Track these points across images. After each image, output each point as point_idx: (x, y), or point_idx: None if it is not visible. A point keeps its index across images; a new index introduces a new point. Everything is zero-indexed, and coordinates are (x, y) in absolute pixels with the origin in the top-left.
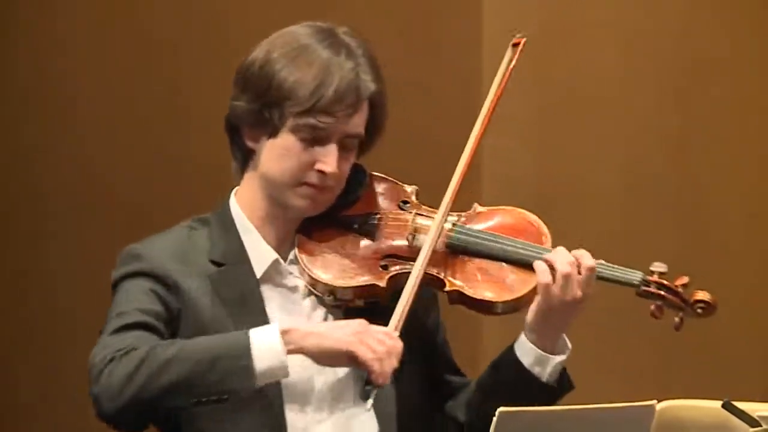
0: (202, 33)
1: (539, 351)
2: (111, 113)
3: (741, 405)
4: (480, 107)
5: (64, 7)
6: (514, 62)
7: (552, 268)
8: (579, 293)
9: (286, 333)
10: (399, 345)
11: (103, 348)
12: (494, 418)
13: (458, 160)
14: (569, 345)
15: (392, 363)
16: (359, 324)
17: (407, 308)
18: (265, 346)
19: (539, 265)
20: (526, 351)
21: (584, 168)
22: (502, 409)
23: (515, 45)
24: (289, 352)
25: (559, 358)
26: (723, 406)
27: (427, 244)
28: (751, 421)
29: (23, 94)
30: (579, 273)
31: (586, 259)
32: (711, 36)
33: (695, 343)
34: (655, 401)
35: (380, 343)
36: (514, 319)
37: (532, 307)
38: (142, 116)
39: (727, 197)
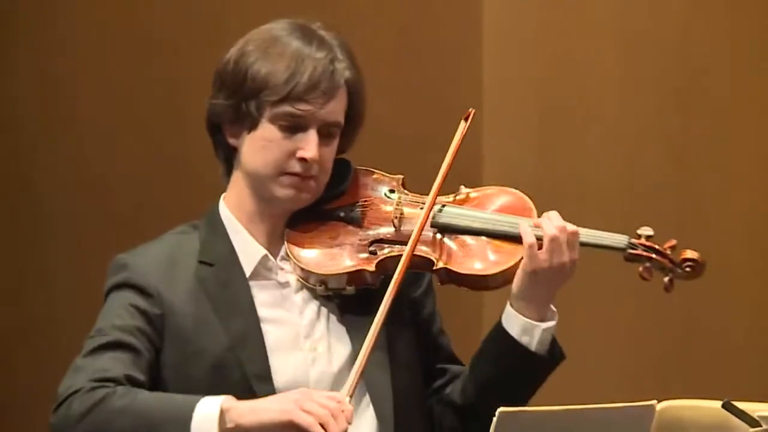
0: (202, 33)
1: (525, 319)
2: (110, 114)
3: (741, 405)
4: (479, 100)
5: (64, 7)
6: (464, 133)
7: (539, 230)
8: (565, 258)
9: (227, 411)
10: (348, 408)
11: (74, 373)
12: (494, 419)
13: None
14: (555, 311)
15: (340, 426)
16: (300, 392)
17: (370, 348)
18: (204, 422)
19: (525, 228)
20: (512, 321)
21: (584, 168)
22: (502, 409)
23: (466, 118)
24: (231, 430)
25: (546, 325)
26: (723, 406)
27: (416, 227)
28: (751, 421)
29: (23, 94)
30: (566, 238)
31: (569, 225)
32: (711, 36)
33: (695, 343)
34: (655, 401)
35: (322, 407)
36: None
37: (518, 273)
38: (142, 117)
39: (727, 197)
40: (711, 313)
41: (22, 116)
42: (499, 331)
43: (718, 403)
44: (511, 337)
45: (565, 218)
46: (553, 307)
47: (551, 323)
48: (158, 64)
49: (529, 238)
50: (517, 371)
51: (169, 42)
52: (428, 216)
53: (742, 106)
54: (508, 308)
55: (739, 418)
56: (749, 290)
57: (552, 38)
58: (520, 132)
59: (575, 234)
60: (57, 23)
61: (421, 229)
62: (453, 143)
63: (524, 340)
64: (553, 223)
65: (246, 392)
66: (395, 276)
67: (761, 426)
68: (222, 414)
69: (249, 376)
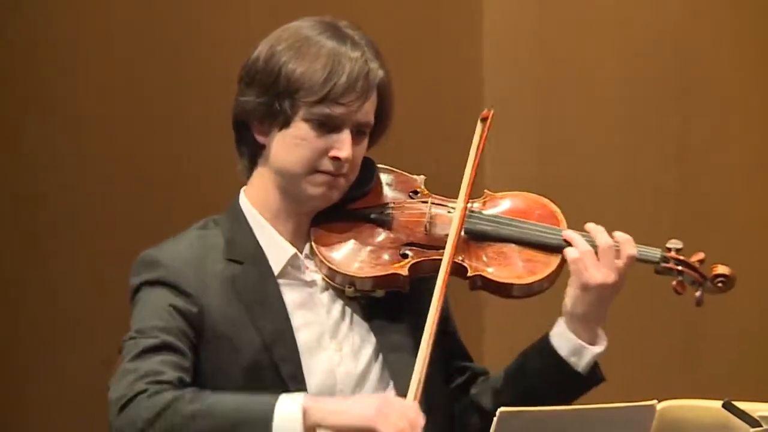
0: (202, 33)
1: (578, 341)
2: (111, 114)
3: (741, 405)
4: (480, 100)
5: (64, 7)
6: (485, 134)
7: (573, 245)
8: (613, 275)
9: (309, 410)
10: (421, 419)
11: (124, 377)
12: (494, 418)
13: (461, 154)
14: (605, 338)
15: None
16: (380, 398)
17: (427, 364)
18: (286, 421)
19: (573, 236)
20: (563, 341)
21: (585, 167)
22: (502, 409)
23: (484, 119)
24: (310, 428)
25: (597, 349)
26: (723, 406)
27: (451, 237)
28: (751, 421)
29: (23, 94)
30: (616, 255)
31: (604, 237)
32: (712, 36)
33: (696, 344)
34: (655, 401)
35: (402, 418)
36: (516, 312)
37: (570, 292)
38: (143, 117)
39: (727, 198)
40: (711, 313)
41: (22, 116)
42: (547, 347)
43: (718, 403)
44: (559, 356)
45: (565, 218)
46: (602, 331)
47: (601, 348)
48: (158, 64)
49: (573, 253)
50: (558, 387)
51: (169, 42)
52: (461, 224)
53: (742, 106)
54: (562, 327)
55: (740, 418)
56: (750, 290)
57: (552, 38)
58: (520, 131)
59: (611, 247)
60: (57, 23)
61: (456, 239)
62: (473, 147)
63: (572, 360)
64: (601, 235)
65: (280, 393)
66: (437, 292)
67: (761, 426)
68: (304, 413)
69: (283, 376)
